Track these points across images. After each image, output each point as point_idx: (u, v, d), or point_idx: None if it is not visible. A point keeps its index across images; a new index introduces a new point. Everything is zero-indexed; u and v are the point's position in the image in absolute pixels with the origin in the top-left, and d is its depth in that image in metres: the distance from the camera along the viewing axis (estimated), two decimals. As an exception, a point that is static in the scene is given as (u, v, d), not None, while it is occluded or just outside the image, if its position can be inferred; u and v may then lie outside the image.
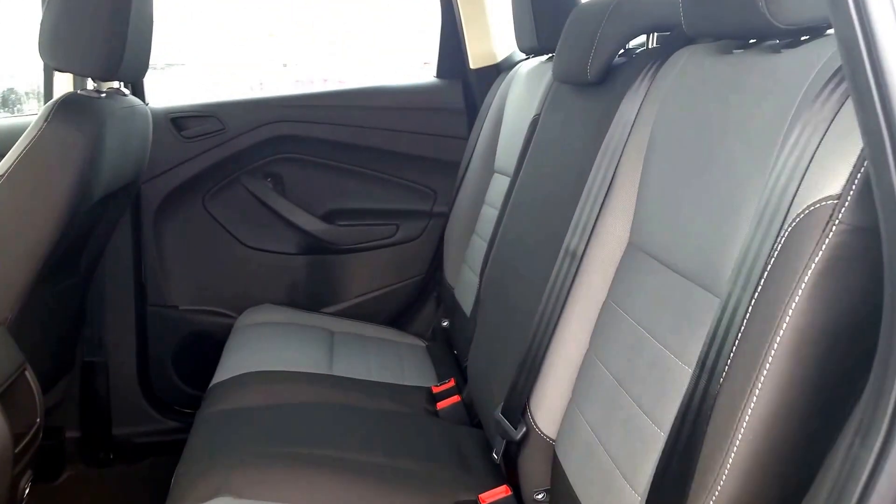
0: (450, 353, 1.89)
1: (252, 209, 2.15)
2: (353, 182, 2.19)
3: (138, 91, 2.05)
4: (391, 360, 1.82)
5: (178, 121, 2.08)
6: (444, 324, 2.01)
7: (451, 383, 1.65)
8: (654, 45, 1.22)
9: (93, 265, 1.95)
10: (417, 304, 2.23)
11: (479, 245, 1.78)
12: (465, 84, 2.18)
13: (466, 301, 1.76)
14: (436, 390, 1.64)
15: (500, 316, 1.41)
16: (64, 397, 2.00)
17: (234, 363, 1.68)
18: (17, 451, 1.28)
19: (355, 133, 2.13)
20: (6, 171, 1.38)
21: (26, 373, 1.40)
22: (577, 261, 1.08)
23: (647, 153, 1.02)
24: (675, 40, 1.11)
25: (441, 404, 1.57)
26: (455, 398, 1.58)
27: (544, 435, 1.08)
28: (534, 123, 1.51)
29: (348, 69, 3.27)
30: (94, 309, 2.05)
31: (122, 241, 2.05)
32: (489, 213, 1.79)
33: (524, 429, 1.11)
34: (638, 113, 1.06)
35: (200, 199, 2.13)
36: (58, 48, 1.43)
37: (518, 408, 1.13)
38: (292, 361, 1.66)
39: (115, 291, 2.07)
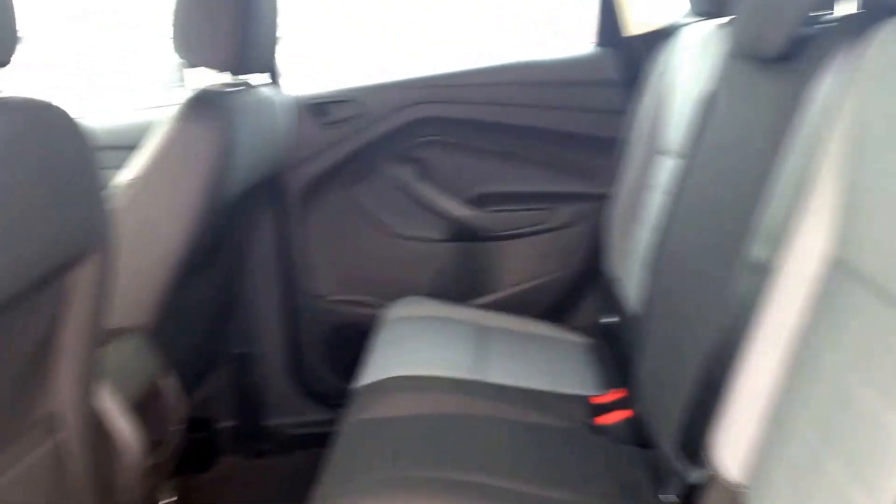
0: (613, 353, 1.77)
1: (397, 195, 2.13)
2: (502, 164, 2.10)
3: (275, 80, 2.06)
4: (546, 362, 1.73)
5: (318, 107, 2.07)
6: (607, 320, 1.90)
7: (616, 395, 1.53)
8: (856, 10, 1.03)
9: (237, 258, 2.00)
10: (577, 296, 2.12)
11: (644, 234, 1.65)
12: (624, 54, 2.02)
13: (632, 296, 1.63)
14: (595, 401, 1.53)
15: (673, 321, 1.28)
16: (215, 389, 2.09)
17: (379, 364, 1.66)
18: (154, 462, 1.32)
19: (504, 111, 2.04)
20: (139, 173, 1.42)
21: (166, 380, 1.44)
22: (767, 275, 0.93)
23: (862, 147, 0.85)
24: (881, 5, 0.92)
25: (601, 419, 1.47)
26: (619, 413, 1.47)
27: (731, 482, 0.95)
28: (705, 100, 1.35)
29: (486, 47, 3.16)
30: (244, 301, 2.11)
31: (267, 232, 2.09)
32: (654, 199, 1.64)
33: (705, 470, 0.98)
34: (838, 96, 0.89)
35: (344, 187, 2.13)
36: (188, 43, 1.45)
37: (696, 441, 1.01)
38: (440, 364, 1.62)
39: (262, 282, 2.12)
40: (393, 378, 1.55)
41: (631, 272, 1.71)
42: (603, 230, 1.96)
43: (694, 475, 0.99)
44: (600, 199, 2.02)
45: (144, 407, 1.37)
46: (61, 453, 1.06)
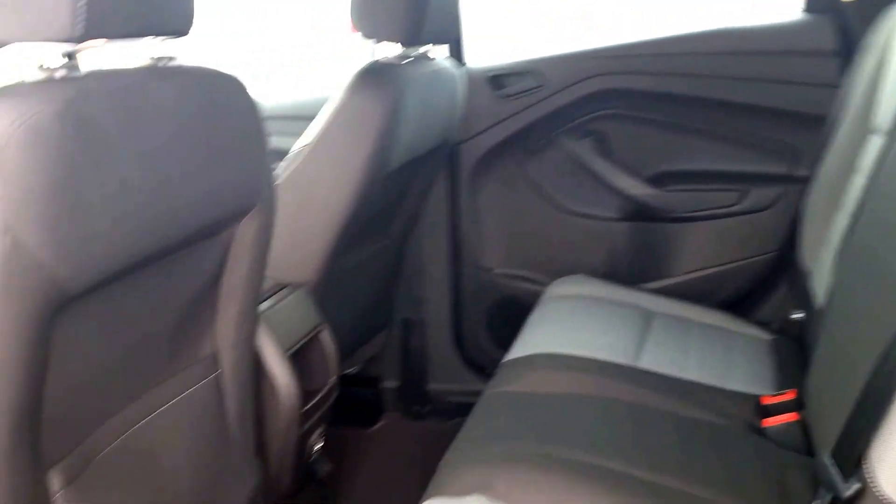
0: (800, 353, 1.62)
1: (571, 170, 2.08)
2: (688, 140, 1.98)
3: (455, 52, 2.08)
4: (717, 355, 1.61)
5: (495, 79, 2.07)
6: (795, 316, 1.74)
7: (790, 395, 1.40)
8: None
9: (408, 227, 2.06)
10: (765, 288, 1.97)
11: (842, 222, 1.48)
12: (840, 19, 1.82)
13: (820, 291, 1.48)
14: (766, 401, 1.41)
15: (851, 321, 1.14)
16: (384, 349, 2.18)
17: (531, 339, 1.64)
18: (306, 409, 1.39)
19: (694, 83, 1.92)
20: (311, 141, 1.50)
21: (322, 334, 1.51)
22: None
23: None
24: None
25: (769, 421, 1.35)
26: (790, 416, 1.34)
27: (886, 499, 0.84)
28: None
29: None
30: (412, 268, 2.17)
31: (439, 203, 2.13)
32: (859, 183, 1.47)
33: (858, 485, 0.87)
34: None
35: (518, 160, 2.11)
36: (365, 16, 1.52)
37: (853, 454, 0.90)
38: (594, 345, 1.56)
39: (432, 252, 2.17)
40: (541, 354, 1.52)
41: (823, 264, 1.55)
42: (799, 217, 1.78)
43: (847, 488, 0.88)
44: (800, 183, 1.84)
45: (301, 357, 1.46)
46: (221, 389, 1.15)
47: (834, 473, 0.91)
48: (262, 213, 1.09)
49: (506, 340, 1.94)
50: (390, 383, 2.22)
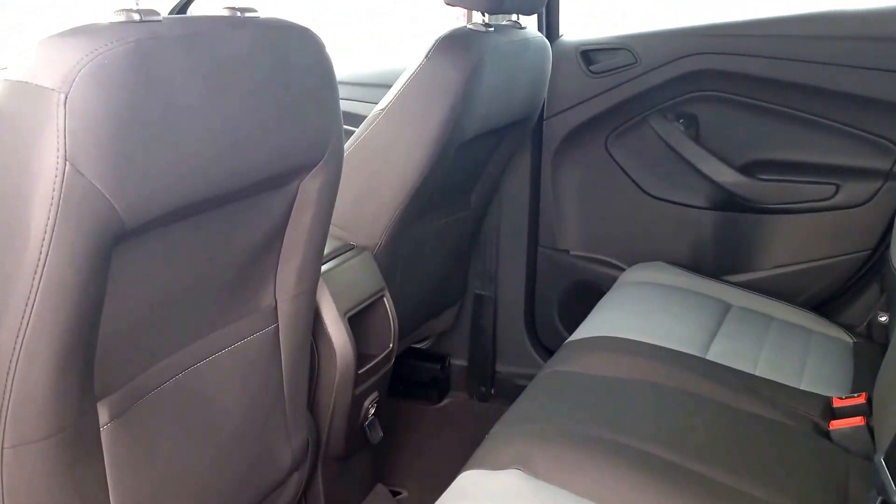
0: (880, 357, 1.56)
1: (658, 154, 2.04)
2: (783, 128, 1.91)
3: (547, 23, 2.07)
4: (793, 354, 1.57)
5: (588, 54, 2.05)
6: (882, 318, 1.67)
7: (861, 398, 1.35)
8: None
9: (487, 200, 2.07)
10: (854, 288, 1.89)
11: None
12: None
13: None
14: (838, 403, 1.37)
15: None
16: (454, 326, 2.21)
17: (599, 322, 1.64)
18: (361, 371, 1.43)
19: (794, 68, 1.84)
20: (387, 104, 1.53)
21: (385, 299, 1.55)
22: None
23: None
24: None
25: (837, 423, 1.31)
26: (857, 420, 1.30)
27: None
28: None
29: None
30: (488, 244, 2.18)
31: (520, 179, 2.13)
32: None
33: None
34: None
35: (603, 140, 2.09)
36: None
37: None
38: (662, 333, 1.55)
39: (509, 229, 2.17)
40: (604, 337, 1.52)
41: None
42: None
43: (893, 493, 0.85)
44: None
45: (361, 321, 1.50)
46: (278, 342, 1.20)
47: (885, 477, 0.89)
48: (329, 169, 1.13)
49: (578, 324, 1.94)
50: (459, 361, 2.25)
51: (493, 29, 1.65)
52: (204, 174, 0.89)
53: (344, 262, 1.50)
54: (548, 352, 2.21)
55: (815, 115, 1.87)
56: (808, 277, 1.92)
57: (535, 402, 1.29)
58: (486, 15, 1.66)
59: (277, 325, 1.18)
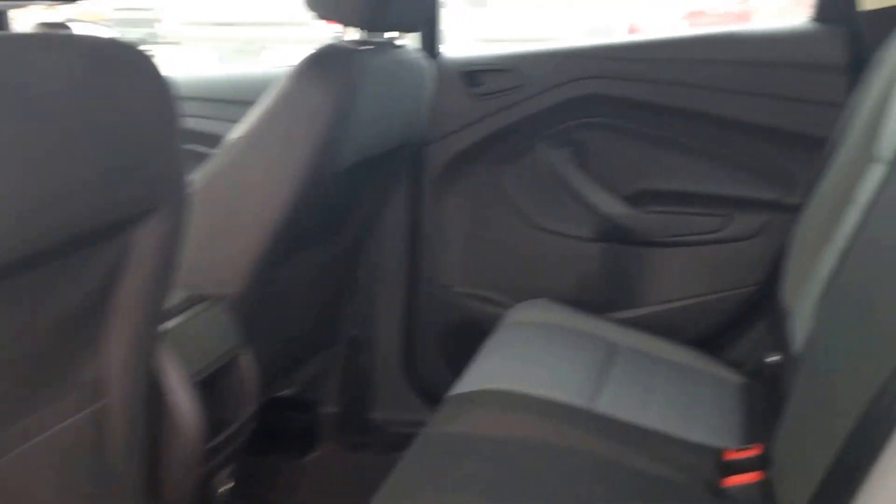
0: (772, 401, 1.58)
1: (546, 182, 2.02)
2: (673, 157, 1.93)
3: (428, 42, 2.02)
4: (682, 399, 1.56)
5: (470, 75, 2.01)
6: (772, 359, 1.69)
7: (756, 450, 1.35)
8: None
9: (362, 235, 2.00)
10: (741, 325, 1.92)
11: (831, 258, 1.44)
12: (852, 31, 1.77)
13: (800, 335, 1.44)
14: (729, 456, 1.36)
15: (828, 371, 1.09)
16: (324, 371, 2.11)
17: (483, 370, 1.58)
18: (213, 444, 1.32)
19: (686, 94, 1.87)
20: (246, 132, 1.43)
21: (242, 357, 1.45)
22: None
23: None
24: None
25: (732, 480, 1.30)
26: (754, 475, 1.29)
27: None
28: None
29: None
30: (364, 281, 2.10)
31: (399, 209, 2.07)
32: (854, 217, 1.43)
33: None
34: None
35: (488, 167, 2.05)
36: None
37: None
38: (549, 382, 1.51)
39: (387, 264, 2.10)
40: (489, 391, 1.46)
41: (805, 305, 1.50)
42: (785, 249, 1.74)
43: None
44: (791, 212, 1.78)
45: (214, 384, 1.39)
46: (103, 422, 1.06)
47: None
48: (168, 216, 1.00)
49: (461, 367, 1.89)
50: (329, 408, 2.15)
51: (368, 47, 1.58)
52: (4, 232, 0.77)
53: (193, 316, 1.38)
54: (428, 396, 2.15)
55: (704, 144, 1.90)
56: (696, 313, 1.93)
57: (420, 470, 1.22)
58: (362, 31, 1.59)
59: (104, 404, 1.05)
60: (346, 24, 1.55)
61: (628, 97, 1.92)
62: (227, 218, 1.47)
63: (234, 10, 4.92)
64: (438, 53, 2.06)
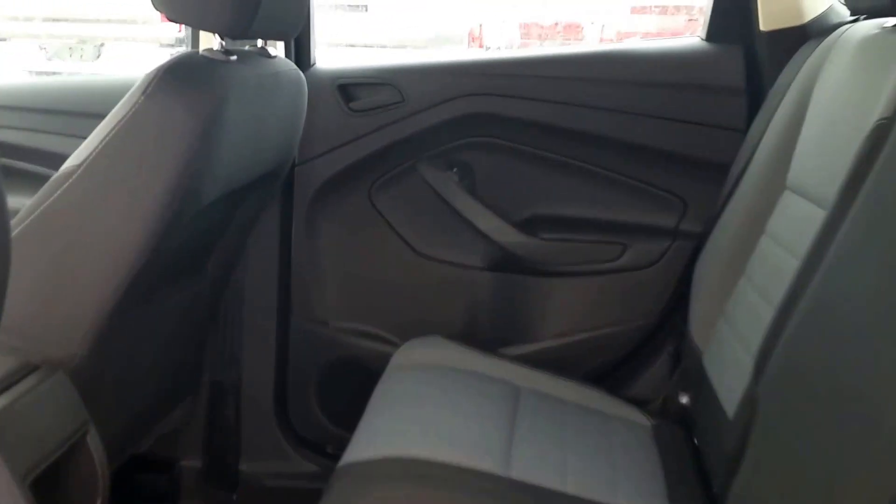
0: (688, 445, 1.47)
1: (430, 207, 1.85)
2: (567, 180, 1.80)
3: (301, 47, 1.79)
4: (599, 454, 1.42)
5: (346, 89, 1.81)
6: (683, 400, 1.58)
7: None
8: None
9: (229, 266, 1.74)
10: (642, 359, 1.81)
11: (752, 299, 1.34)
12: (748, 53, 1.70)
13: (725, 383, 1.32)
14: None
15: (806, 451, 0.96)
16: (185, 422, 1.83)
17: (377, 430, 1.37)
18: None
19: (579, 114, 1.75)
20: (85, 158, 1.15)
21: (88, 437, 1.16)
22: None
23: None
24: None
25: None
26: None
27: None
28: (880, 130, 1.02)
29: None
30: (230, 319, 1.85)
31: (268, 237, 1.83)
32: (772, 251, 1.34)
33: None
34: None
35: (366, 190, 1.86)
36: None
37: None
38: (457, 442, 1.32)
39: (256, 299, 1.87)
40: (390, 459, 1.26)
41: (725, 347, 1.39)
42: (690, 279, 1.64)
43: None
44: (691, 239, 1.72)
45: (53, 477, 1.10)
46: None
47: None
48: None
49: (345, 411, 1.69)
50: (192, 463, 1.88)
51: (235, 57, 1.32)
52: None
53: (21, 395, 1.08)
54: (304, 443, 1.92)
55: (600, 168, 1.78)
56: (594, 347, 1.82)
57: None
58: (225, 39, 1.33)
59: None
60: (207, 30, 1.30)
61: (518, 116, 1.78)
62: (62, 270, 1.19)
63: (67, 5, 4.51)
64: (311, 64, 1.83)
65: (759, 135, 1.50)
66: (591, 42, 3.96)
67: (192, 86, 1.19)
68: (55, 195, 1.17)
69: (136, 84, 1.18)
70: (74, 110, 1.83)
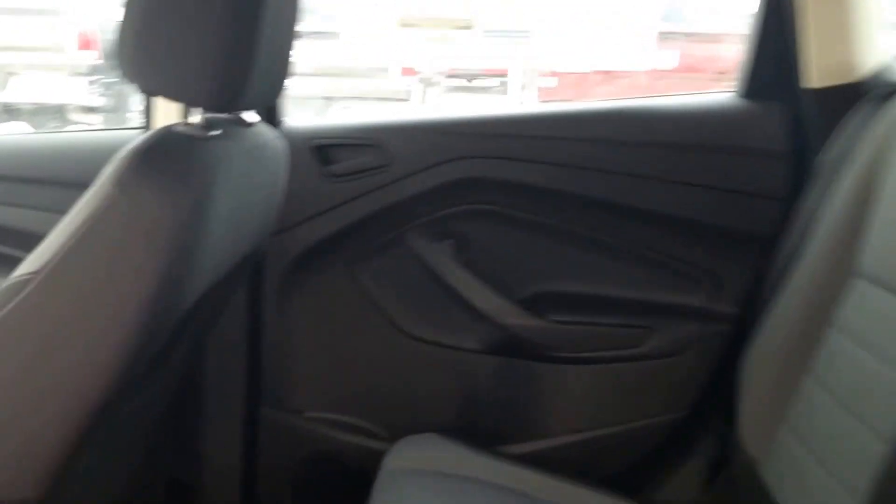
0: None
1: (420, 282, 1.62)
2: (578, 253, 1.59)
3: (272, 117, 1.57)
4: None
5: (322, 150, 1.58)
6: None
7: None
8: None
9: (195, 353, 1.52)
10: (670, 461, 1.59)
11: (831, 411, 1.12)
12: (790, 112, 1.50)
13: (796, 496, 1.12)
14: None
15: None
16: None
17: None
18: None
19: (591, 178, 1.54)
20: (45, 264, 0.91)
21: None
22: None
23: None
24: None
25: None
26: None
27: None
28: None
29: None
30: (190, 408, 1.62)
31: (235, 316, 1.60)
32: (847, 350, 1.13)
33: None
34: None
35: (347, 264, 1.63)
36: (143, 60, 0.96)
37: None
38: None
39: (220, 383, 1.64)
40: None
41: (799, 462, 1.16)
42: (731, 370, 1.41)
43: None
44: (727, 322, 1.52)
45: None
46: None
47: None
48: None
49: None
50: None
51: (219, 131, 1.07)
52: None
53: None
54: None
55: (617, 239, 1.57)
56: (615, 446, 1.59)
57: None
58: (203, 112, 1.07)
59: None
60: (190, 104, 1.06)
61: (521, 181, 1.56)
62: (18, 398, 0.96)
63: None
64: (280, 122, 1.59)
65: (813, 208, 1.29)
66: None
67: (173, 172, 0.94)
68: (5, 310, 0.93)
69: (105, 172, 0.93)
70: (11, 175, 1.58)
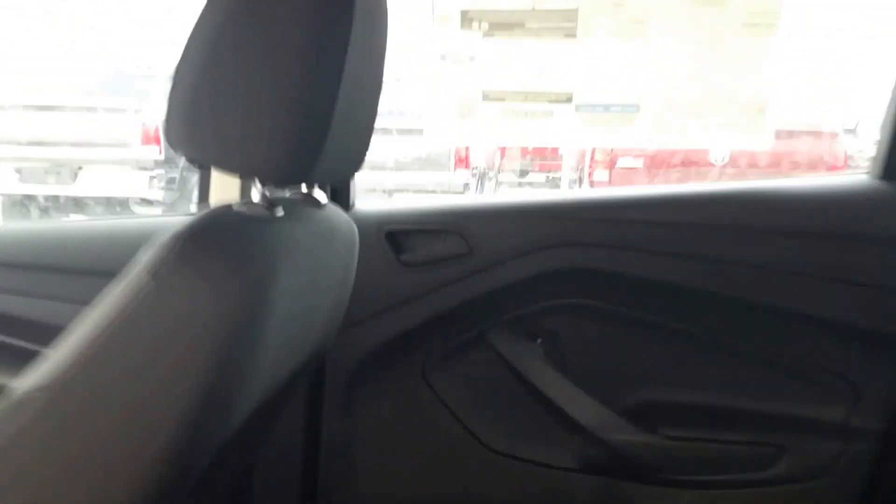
0: None
1: (503, 387, 1.46)
2: (692, 357, 1.41)
3: (340, 187, 1.44)
4: None
5: (397, 237, 1.43)
6: None
7: None
8: None
9: (247, 470, 1.40)
10: None
11: None
12: None
13: None
14: None
15: None
16: None
17: None
18: None
19: (705, 271, 1.36)
20: (57, 375, 0.75)
21: None
22: None
23: None
24: None
25: None
26: None
27: None
28: None
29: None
30: None
31: (291, 421, 1.46)
32: None
33: None
34: None
35: (420, 364, 1.47)
36: (199, 129, 0.81)
37: None
38: None
39: (271, 491, 1.47)
40: None
41: None
42: (881, 499, 1.19)
43: None
44: (871, 440, 1.34)
45: None
46: None
47: None
48: None
49: None
50: None
51: (281, 211, 0.90)
52: None
53: None
54: None
55: (738, 341, 1.39)
56: None
57: None
58: (266, 187, 0.91)
59: None
60: (252, 177, 0.89)
61: (623, 272, 1.39)
62: None
63: (46, 128, 4.63)
64: (350, 206, 1.45)
65: None
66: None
67: (224, 258, 0.76)
68: (19, 427, 0.78)
69: (141, 257, 0.76)
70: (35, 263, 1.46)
